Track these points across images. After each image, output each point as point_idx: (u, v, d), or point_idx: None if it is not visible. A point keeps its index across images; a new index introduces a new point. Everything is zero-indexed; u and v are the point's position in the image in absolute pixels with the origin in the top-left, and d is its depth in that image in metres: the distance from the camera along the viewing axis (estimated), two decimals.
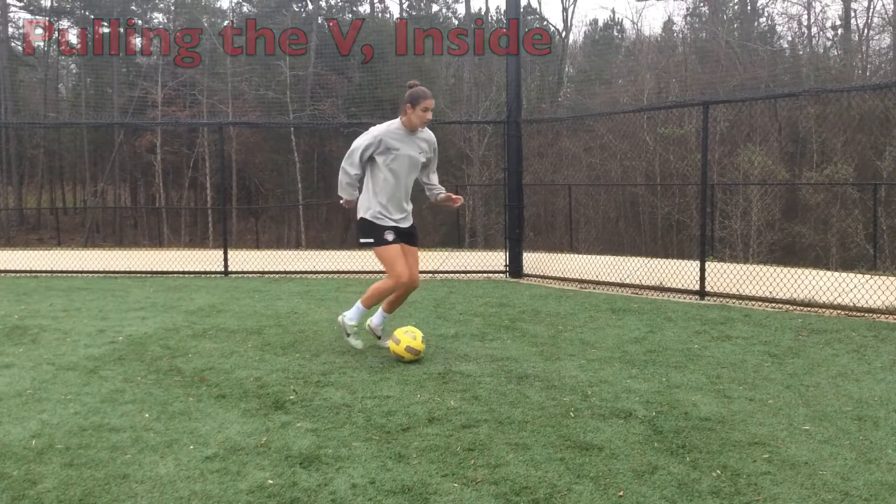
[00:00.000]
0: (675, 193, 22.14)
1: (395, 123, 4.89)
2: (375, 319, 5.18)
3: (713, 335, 5.65)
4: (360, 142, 4.87)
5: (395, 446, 3.30)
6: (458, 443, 3.34)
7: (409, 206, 5.02)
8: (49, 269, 10.04)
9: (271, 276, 9.66)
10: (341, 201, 5.11)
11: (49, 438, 3.41)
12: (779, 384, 4.28)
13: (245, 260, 10.91)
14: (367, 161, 4.89)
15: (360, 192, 5.01)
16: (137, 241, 31.67)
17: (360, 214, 4.94)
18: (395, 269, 4.80)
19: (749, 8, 31.51)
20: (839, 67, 25.19)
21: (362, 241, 4.95)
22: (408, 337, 4.79)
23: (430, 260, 10.45)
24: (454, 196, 5.18)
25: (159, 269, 10.01)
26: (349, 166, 4.92)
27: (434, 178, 5.22)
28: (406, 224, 4.97)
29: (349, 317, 5.08)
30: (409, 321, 6.26)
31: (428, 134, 5.01)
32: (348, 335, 5.10)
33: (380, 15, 39.32)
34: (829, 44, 29.36)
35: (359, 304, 5.03)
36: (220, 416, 3.73)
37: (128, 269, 10.07)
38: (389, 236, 4.84)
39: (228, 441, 3.37)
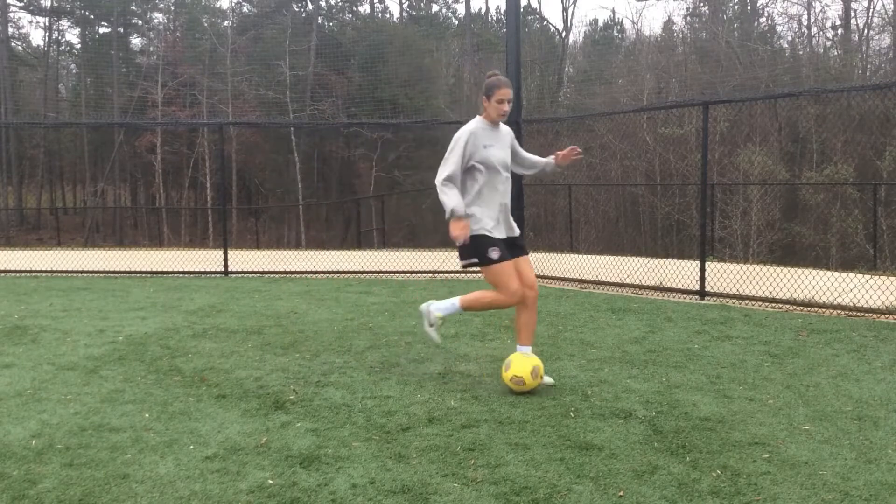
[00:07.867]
0: (675, 193, 22.14)
1: (478, 120, 4.30)
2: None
3: (713, 335, 5.65)
4: (460, 137, 4.20)
5: (395, 446, 3.30)
6: (458, 443, 3.34)
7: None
8: (49, 269, 10.04)
9: (271, 276, 9.66)
10: (457, 232, 4.10)
11: (49, 438, 3.41)
12: (779, 384, 4.27)
13: (245, 260, 10.92)
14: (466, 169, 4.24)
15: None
16: (137, 241, 31.69)
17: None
18: (510, 287, 4.15)
19: (749, 8, 31.51)
20: (839, 67, 25.16)
21: (463, 262, 4.25)
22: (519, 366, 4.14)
23: (430, 260, 10.44)
24: (565, 154, 4.51)
25: (159, 269, 10.01)
26: (446, 170, 4.15)
27: (529, 161, 4.64)
28: (513, 234, 4.39)
29: (438, 307, 4.37)
30: (409, 321, 6.27)
31: (504, 128, 4.42)
32: (431, 325, 4.41)
33: (380, 15, 39.35)
34: (829, 44, 29.37)
35: (455, 301, 4.34)
36: (220, 416, 3.73)
37: (128, 269, 10.07)
38: (494, 254, 4.15)
39: (228, 441, 3.37)
